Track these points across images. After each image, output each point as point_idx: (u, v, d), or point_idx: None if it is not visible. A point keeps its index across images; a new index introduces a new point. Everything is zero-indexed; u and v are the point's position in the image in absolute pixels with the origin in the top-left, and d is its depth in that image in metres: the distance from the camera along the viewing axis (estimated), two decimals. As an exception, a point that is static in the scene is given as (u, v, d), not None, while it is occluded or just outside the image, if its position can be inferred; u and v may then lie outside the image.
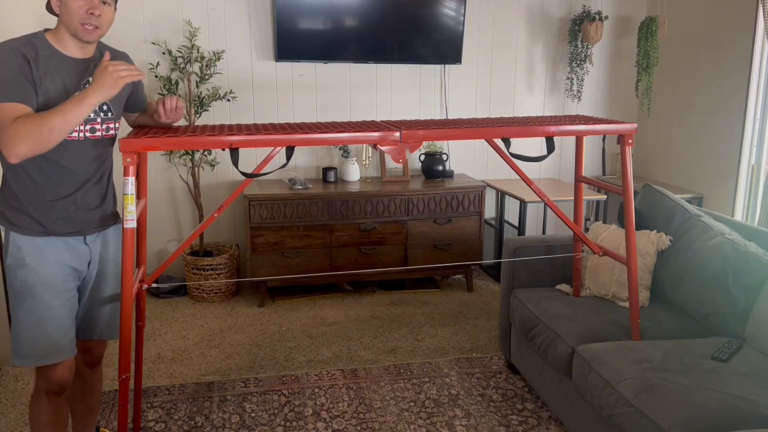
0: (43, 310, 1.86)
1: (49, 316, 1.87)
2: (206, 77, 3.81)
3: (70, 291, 1.93)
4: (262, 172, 2.04)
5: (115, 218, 2.07)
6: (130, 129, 2.12)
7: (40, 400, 1.97)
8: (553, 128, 2.18)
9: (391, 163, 4.26)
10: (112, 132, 1.96)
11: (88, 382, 2.18)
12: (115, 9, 1.88)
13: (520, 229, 4.01)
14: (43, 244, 1.86)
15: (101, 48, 1.94)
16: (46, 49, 1.79)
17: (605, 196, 4.15)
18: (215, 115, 4.01)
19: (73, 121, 1.71)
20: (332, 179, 4.08)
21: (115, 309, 2.09)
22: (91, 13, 1.78)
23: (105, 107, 1.92)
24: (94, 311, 2.05)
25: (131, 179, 1.81)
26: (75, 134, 1.85)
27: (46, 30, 1.84)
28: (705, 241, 2.49)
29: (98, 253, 2.01)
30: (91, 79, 1.86)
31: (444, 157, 4.26)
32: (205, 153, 3.97)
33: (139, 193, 2.08)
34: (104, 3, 1.81)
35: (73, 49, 1.84)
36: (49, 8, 1.83)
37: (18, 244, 1.84)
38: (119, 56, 1.99)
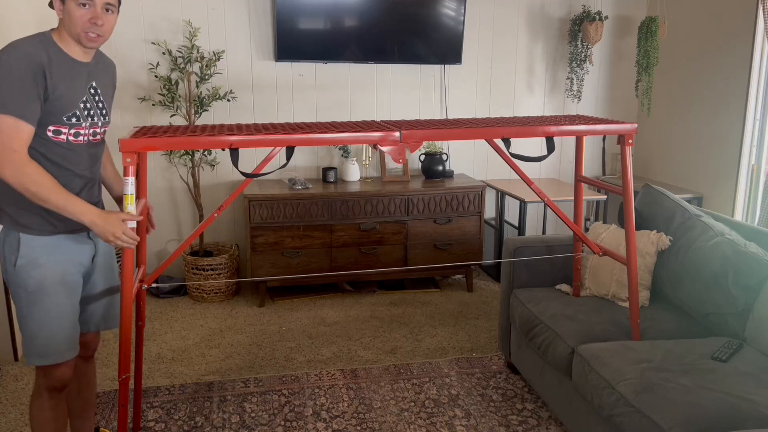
0: (60, 307, 1.90)
1: (65, 312, 1.91)
2: (206, 77, 3.80)
3: (79, 287, 1.98)
4: (262, 172, 2.04)
5: None
6: (130, 129, 2.12)
7: (42, 398, 1.98)
8: (553, 128, 2.18)
9: (391, 163, 4.26)
10: (103, 131, 2.03)
11: (84, 376, 2.20)
12: (118, 13, 1.89)
13: (520, 229, 4.01)
14: (56, 242, 1.89)
15: (97, 53, 1.96)
16: (56, 54, 1.80)
17: (605, 196, 4.15)
18: (215, 115, 4.01)
19: (61, 211, 1.78)
20: (332, 179, 4.08)
21: (109, 300, 2.12)
22: (94, 23, 1.78)
23: (104, 111, 1.97)
24: (91, 304, 2.08)
25: (131, 179, 1.82)
26: (81, 138, 1.89)
27: (52, 30, 1.84)
28: (705, 241, 2.49)
29: (99, 246, 2.04)
30: (95, 84, 1.92)
31: (444, 157, 4.26)
32: (205, 153, 3.98)
33: (139, 193, 2.08)
34: (107, 11, 1.81)
35: (77, 53, 1.85)
36: (51, 4, 1.84)
37: (31, 245, 1.86)
38: (107, 64, 2.03)
